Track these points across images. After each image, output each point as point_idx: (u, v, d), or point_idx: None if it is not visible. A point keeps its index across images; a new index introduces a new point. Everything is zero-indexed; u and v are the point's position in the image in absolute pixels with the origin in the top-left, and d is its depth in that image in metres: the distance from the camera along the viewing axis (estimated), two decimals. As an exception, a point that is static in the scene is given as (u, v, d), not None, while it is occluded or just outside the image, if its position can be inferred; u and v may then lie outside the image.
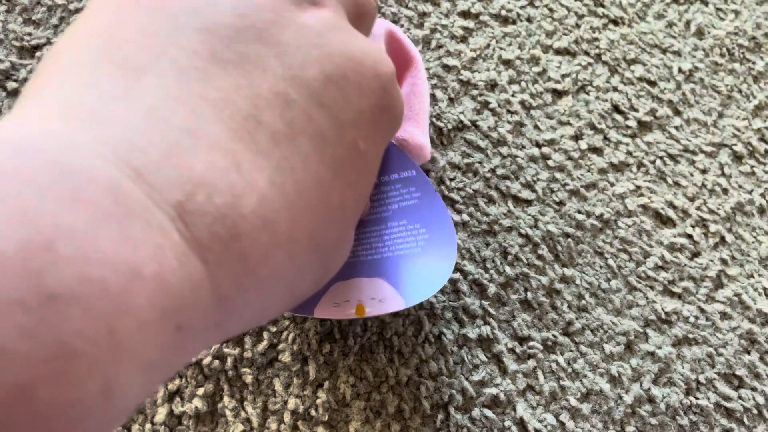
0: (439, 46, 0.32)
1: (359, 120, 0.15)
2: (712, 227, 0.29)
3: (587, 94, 0.32)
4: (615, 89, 0.32)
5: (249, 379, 0.24)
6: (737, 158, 0.31)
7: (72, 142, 0.11)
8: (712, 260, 0.29)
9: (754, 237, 0.30)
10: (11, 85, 0.29)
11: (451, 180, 0.29)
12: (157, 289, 0.10)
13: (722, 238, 0.29)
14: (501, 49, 0.33)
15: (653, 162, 0.31)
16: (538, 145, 0.30)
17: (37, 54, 0.29)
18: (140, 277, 0.10)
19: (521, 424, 0.24)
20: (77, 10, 0.30)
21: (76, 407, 0.09)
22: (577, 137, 0.31)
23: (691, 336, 0.27)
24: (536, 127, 0.31)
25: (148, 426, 0.23)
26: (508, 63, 0.32)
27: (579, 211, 0.29)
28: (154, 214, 0.11)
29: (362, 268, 0.23)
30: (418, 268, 0.22)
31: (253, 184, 0.12)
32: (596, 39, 0.34)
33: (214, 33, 0.13)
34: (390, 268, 0.22)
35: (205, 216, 0.11)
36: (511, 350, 0.26)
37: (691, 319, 0.27)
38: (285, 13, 0.15)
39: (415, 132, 0.25)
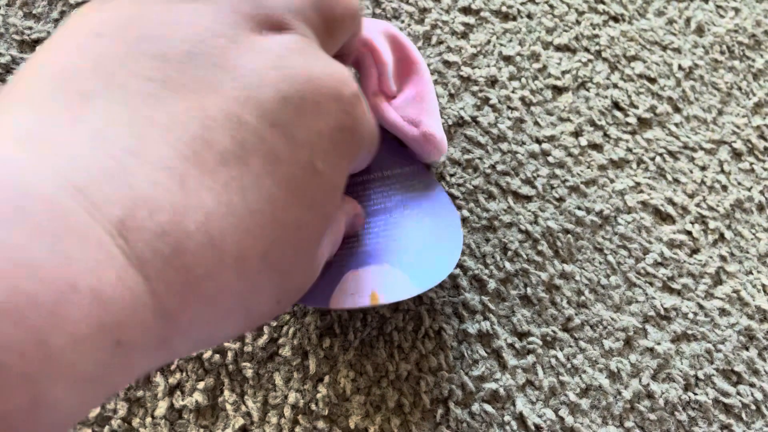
0: (440, 42, 0.32)
1: (316, 141, 0.15)
2: (712, 224, 0.29)
3: (587, 90, 0.32)
4: (615, 86, 0.32)
5: (249, 373, 0.24)
6: (737, 155, 0.31)
7: (14, 163, 0.11)
8: (711, 257, 0.29)
9: (753, 234, 0.30)
10: (12, 79, 0.29)
11: (452, 176, 0.29)
12: (93, 303, 0.10)
13: (721, 235, 0.29)
14: (501, 45, 0.33)
15: (653, 159, 0.31)
16: (538, 142, 0.30)
17: (38, 48, 0.29)
18: (75, 291, 0.10)
19: (520, 419, 0.25)
20: (77, 4, 0.30)
21: (3, 420, 0.09)
22: (577, 134, 0.31)
23: (690, 332, 0.27)
24: (536, 123, 0.31)
25: (148, 420, 0.23)
26: (508, 59, 0.32)
27: (579, 208, 0.29)
28: (94, 230, 0.11)
29: (371, 256, 0.23)
30: (427, 254, 0.23)
31: (199, 201, 0.12)
32: (596, 36, 0.34)
33: (168, 60, 0.14)
34: (399, 255, 0.23)
35: (145, 232, 0.11)
36: (511, 345, 0.26)
37: (690, 316, 0.27)
38: (243, 39, 0.15)
39: (438, 127, 0.26)
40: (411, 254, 0.23)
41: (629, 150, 0.31)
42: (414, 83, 0.27)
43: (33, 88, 0.13)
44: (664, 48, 0.34)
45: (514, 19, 0.33)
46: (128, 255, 0.11)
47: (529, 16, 0.34)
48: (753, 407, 0.26)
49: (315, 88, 0.15)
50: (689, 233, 0.29)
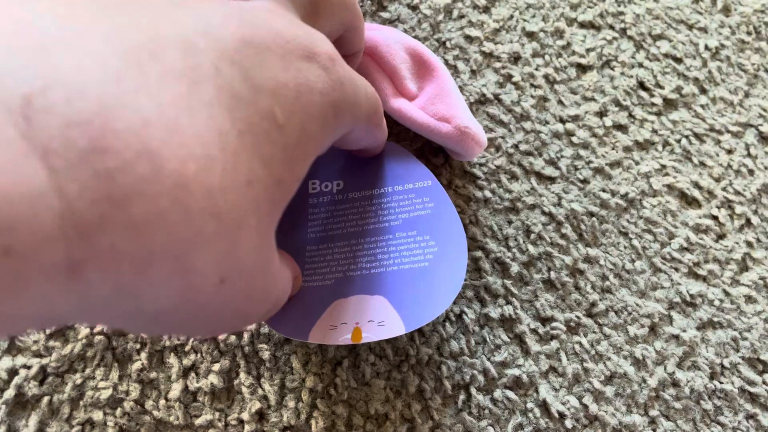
0: (461, 16, 0.31)
1: (280, 91, 0.14)
2: (738, 209, 0.28)
3: (612, 69, 0.31)
4: (640, 65, 0.31)
5: (266, 355, 0.23)
6: (763, 139, 0.31)
7: None
8: (737, 242, 0.28)
9: (779, 220, 0.29)
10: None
11: (473, 155, 0.28)
12: None
13: (748, 221, 0.28)
14: (524, 20, 0.31)
15: (679, 141, 0.30)
16: (562, 121, 0.29)
17: None
18: None
19: (544, 406, 0.24)
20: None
21: None
22: (601, 114, 0.30)
23: (715, 319, 0.26)
24: (560, 102, 0.30)
25: (162, 402, 0.22)
26: (531, 35, 0.31)
27: (603, 190, 0.28)
28: None
29: (363, 284, 0.21)
30: (423, 287, 0.21)
31: (136, 104, 0.10)
32: (621, 13, 0.33)
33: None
34: (392, 285, 0.21)
35: (56, 116, 0.09)
36: (534, 331, 0.25)
37: (716, 303, 0.26)
38: None
39: (471, 119, 0.25)
40: (408, 288, 0.21)
41: (654, 131, 0.30)
42: (434, 80, 0.26)
43: None
44: (690, 27, 0.33)
45: (538, -7, 0.32)
46: (28, 137, 0.09)
47: (553, -9, 0.32)
48: (778, 397, 0.25)
49: (282, 43, 0.14)
50: (715, 218, 0.28)
